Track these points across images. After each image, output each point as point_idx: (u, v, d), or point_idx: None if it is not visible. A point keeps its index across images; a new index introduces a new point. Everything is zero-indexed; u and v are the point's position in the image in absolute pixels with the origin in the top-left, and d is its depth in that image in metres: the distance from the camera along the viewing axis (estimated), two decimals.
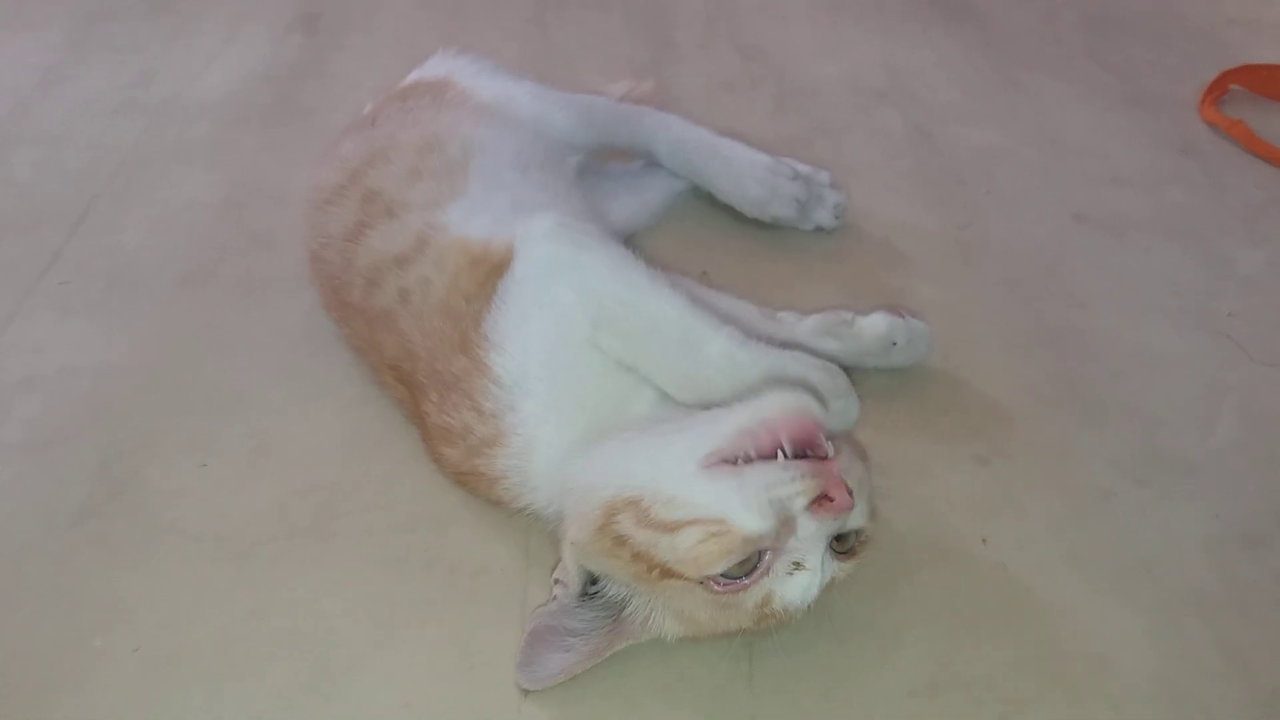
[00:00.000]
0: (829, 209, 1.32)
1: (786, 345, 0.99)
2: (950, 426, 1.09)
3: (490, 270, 0.94)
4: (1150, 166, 1.51)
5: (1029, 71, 1.75)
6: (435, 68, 1.31)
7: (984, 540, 0.97)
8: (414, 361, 0.96)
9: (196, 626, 0.90)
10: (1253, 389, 1.15)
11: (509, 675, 0.83)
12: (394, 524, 0.98)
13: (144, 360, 1.16)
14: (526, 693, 0.83)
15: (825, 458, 0.79)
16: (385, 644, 0.89)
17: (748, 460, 0.78)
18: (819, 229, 1.33)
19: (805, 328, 1.09)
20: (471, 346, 0.91)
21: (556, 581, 0.85)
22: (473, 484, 0.93)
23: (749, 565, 0.77)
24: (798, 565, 0.78)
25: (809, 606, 0.79)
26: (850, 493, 0.77)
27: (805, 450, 0.79)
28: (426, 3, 1.96)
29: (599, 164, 1.37)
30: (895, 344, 1.09)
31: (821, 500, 0.76)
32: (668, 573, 0.78)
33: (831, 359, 1.01)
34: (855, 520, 0.81)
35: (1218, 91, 1.64)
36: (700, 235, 1.33)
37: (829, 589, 0.80)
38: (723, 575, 0.77)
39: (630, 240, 1.23)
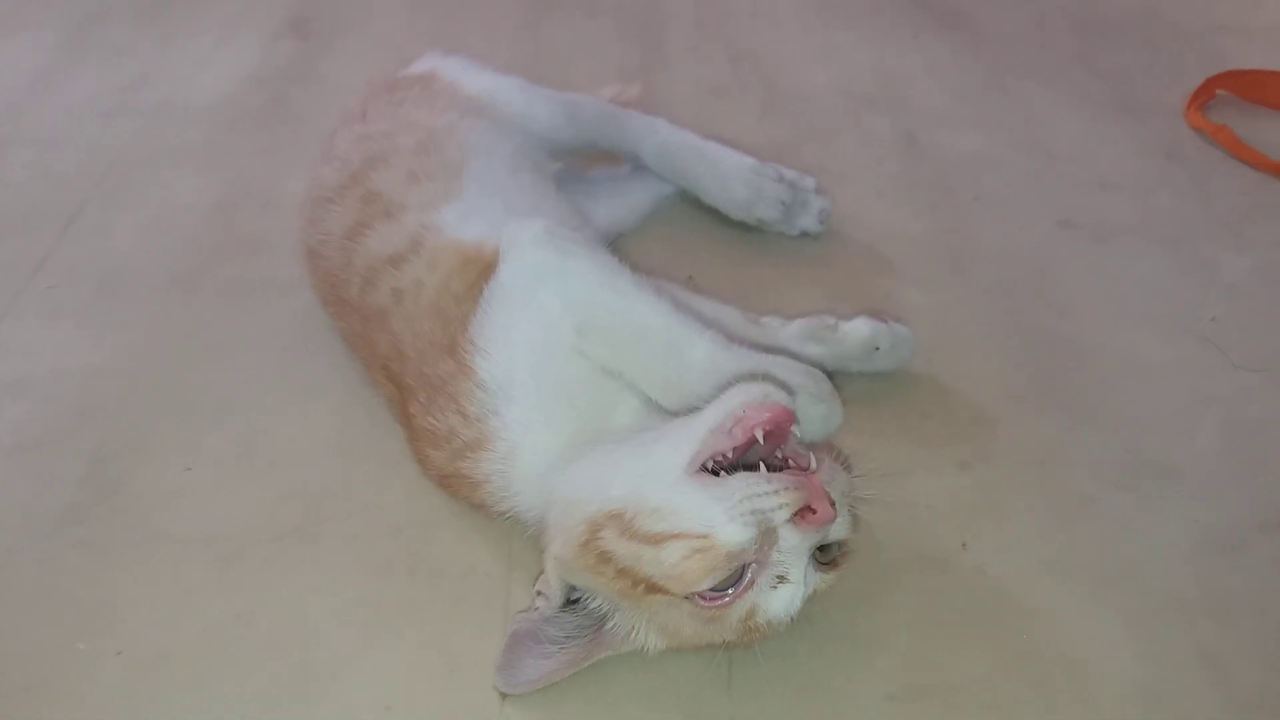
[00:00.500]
0: (814, 214, 1.32)
1: (770, 350, 1.00)
2: (933, 431, 1.09)
3: (480, 272, 0.95)
4: (1137, 172, 1.51)
5: (1018, 77, 1.75)
6: (422, 66, 1.32)
7: (964, 545, 0.98)
8: (403, 363, 0.97)
9: (181, 629, 0.90)
10: (1235, 396, 1.15)
11: (491, 678, 0.83)
12: (379, 528, 0.99)
13: (132, 363, 1.17)
14: (506, 696, 0.84)
15: (808, 470, 0.79)
16: (369, 647, 0.89)
17: (728, 464, 0.79)
18: (804, 234, 1.33)
19: (789, 332, 1.10)
20: (458, 350, 0.92)
21: (539, 593, 0.86)
22: (456, 487, 0.94)
23: (733, 579, 0.78)
24: (781, 578, 0.78)
25: (792, 618, 0.80)
26: (833, 505, 0.78)
27: (787, 462, 0.80)
28: (417, 7, 1.97)
29: (581, 170, 1.37)
30: (878, 349, 1.10)
31: (804, 513, 0.77)
32: (653, 588, 0.78)
33: (815, 364, 1.02)
34: (838, 531, 0.82)
35: (1204, 97, 1.64)
36: (686, 239, 1.34)
37: (810, 598, 0.81)
38: (708, 590, 0.77)
39: (616, 243, 1.25)
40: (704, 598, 0.77)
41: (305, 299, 1.17)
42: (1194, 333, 1.23)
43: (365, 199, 1.06)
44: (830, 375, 0.96)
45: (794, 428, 0.80)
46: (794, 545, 0.77)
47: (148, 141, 1.56)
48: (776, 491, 0.76)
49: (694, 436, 0.81)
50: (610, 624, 0.83)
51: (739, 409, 0.80)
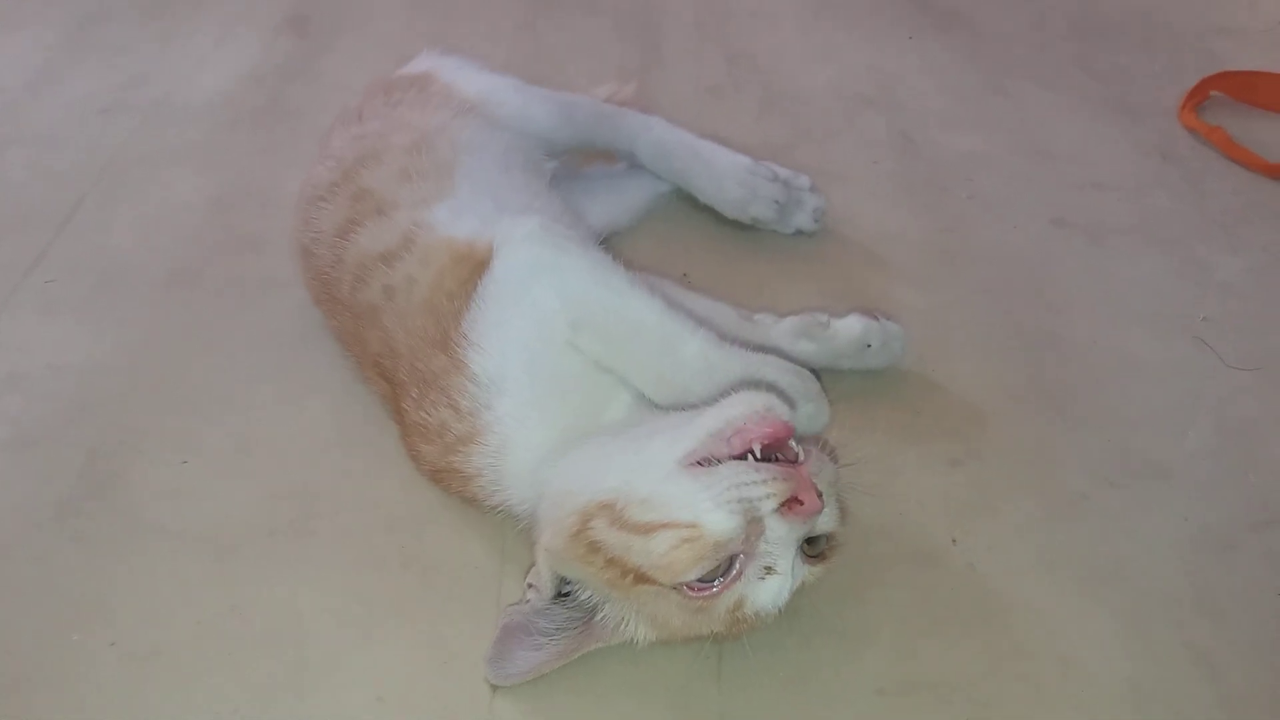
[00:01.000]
0: (808, 212, 1.33)
1: (762, 347, 1.00)
2: (924, 428, 1.10)
3: (474, 268, 0.95)
4: (1131, 172, 1.52)
5: (1015, 78, 1.76)
6: (419, 65, 1.33)
7: (954, 541, 0.98)
8: (395, 359, 0.98)
9: (174, 623, 0.91)
10: (1227, 395, 1.16)
11: (482, 671, 0.83)
12: (373, 522, 0.99)
13: (129, 359, 1.17)
14: (496, 688, 0.84)
15: (796, 461, 0.80)
16: (361, 641, 0.90)
17: (719, 461, 0.80)
18: (799, 232, 1.34)
19: (781, 329, 1.10)
20: (451, 344, 0.92)
21: (530, 586, 0.86)
22: (448, 481, 0.94)
23: (721, 570, 0.78)
24: (769, 569, 0.79)
25: (780, 610, 0.80)
26: (820, 496, 0.78)
27: (776, 454, 0.80)
28: (416, 6, 1.97)
29: (577, 168, 1.38)
30: (870, 346, 1.10)
31: (791, 503, 0.78)
32: (641, 578, 0.78)
33: (807, 360, 1.03)
34: (826, 524, 0.82)
35: (1198, 97, 1.65)
36: (681, 237, 1.35)
37: (799, 591, 0.81)
38: (696, 580, 0.78)
39: (611, 241, 1.25)
40: (692, 588, 0.78)
41: (302, 297, 1.17)
42: (1187, 332, 1.23)
43: (357, 196, 1.07)
44: (820, 374, 0.97)
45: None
46: (781, 536, 0.78)
47: (146, 139, 1.56)
48: (764, 481, 0.77)
49: (692, 436, 0.81)
50: (600, 616, 0.83)
51: (740, 419, 0.80)
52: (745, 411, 0.81)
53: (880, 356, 1.12)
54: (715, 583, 0.78)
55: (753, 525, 0.77)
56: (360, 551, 0.97)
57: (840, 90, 1.71)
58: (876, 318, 1.12)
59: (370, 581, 0.94)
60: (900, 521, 0.99)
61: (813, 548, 0.83)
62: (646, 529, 0.78)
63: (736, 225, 1.32)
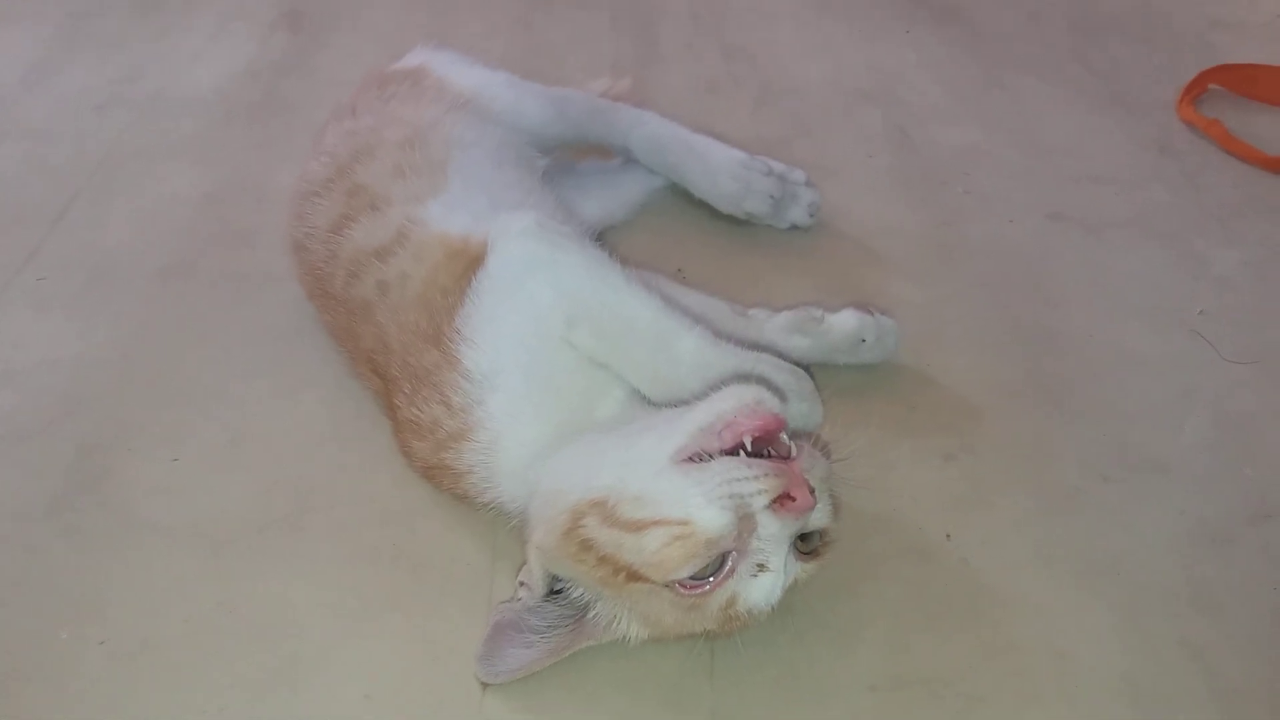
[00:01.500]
0: (803, 207, 1.32)
1: (757, 343, 1.00)
2: (918, 422, 1.09)
3: (468, 264, 0.95)
4: (1129, 166, 1.51)
5: (1013, 72, 1.75)
6: (412, 59, 1.32)
7: (948, 536, 0.98)
8: (388, 355, 0.97)
9: (165, 618, 0.90)
10: (1224, 388, 1.15)
11: (473, 668, 0.83)
12: (365, 518, 0.99)
13: (121, 354, 1.17)
14: (487, 685, 0.84)
15: (788, 457, 0.80)
16: (352, 636, 0.89)
17: (712, 457, 0.79)
18: (794, 227, 1.33)
19: (775, 324, 1.10)
20: (443, 340, 0.92)
21: (521, 583, 0.86)
22: (440, 478, 0.94)
23: (714, 567, 0.78)
24: (761, 567, 0.78)
25: (773, 607, 0.80)
26: (813, 492, 0.78)
27: (768, 449, 0.80)
28: (411, 0, 1.96)
29: (571, 162, 1.37)
30: (864, 341, 1.10)
31: (783, 499, 0.77)
32: (634, 576, 0.78)
33: (801, 355, 1.03)
34: (818, 520, 0.82)
35: (1196, 91, 1.64)
36: (676, 231, 1.34)
37: (791, 588, 0.81)
38: (688, 578, 0.77)
39: (606, 236, 1.24)
40: (684, 586, 0.77)
41: (296, 291, 1.17)
42: (1184, 326, 1.23)
43: (350, 192, 1.06)
44: (814, 370, 0.96)
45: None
46: (774, 533, 0.77)
47: (141, 134, 1.56)
48: (756, 477, 0.77)
49: (683, 431, 0.81)
50: (592, 613, 0.83)
51: (730, 413, 0.80)
52: (735, 405, 0.80)
53: (875, 351, 1.11)
54: (707, 580, 0.78)
55: (745, 522, 0.77)
56: (353, 547, 0.97)
57: (837, 85, 1.71)
58: (871, 312, 1.11)
59: (362, 577, 0.94)
60: (894, 516, 0.99)
61: (806, 544, 0.82)
62: (638, 526, 0.77)
63: (731, 220, 1.32)
